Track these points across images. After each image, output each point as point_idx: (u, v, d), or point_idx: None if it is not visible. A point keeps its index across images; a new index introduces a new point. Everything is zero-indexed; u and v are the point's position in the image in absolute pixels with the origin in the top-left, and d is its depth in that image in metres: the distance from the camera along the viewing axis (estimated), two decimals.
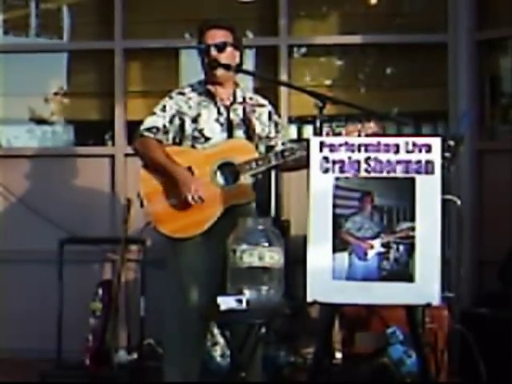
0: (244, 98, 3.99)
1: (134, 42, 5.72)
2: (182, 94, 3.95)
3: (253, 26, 5.80)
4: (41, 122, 6.00)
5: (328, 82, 5.83)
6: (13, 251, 5.43)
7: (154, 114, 3.91)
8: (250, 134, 3.95)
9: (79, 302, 4.95)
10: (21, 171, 5.63)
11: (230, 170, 3.83)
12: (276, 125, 4.05)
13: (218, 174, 3.84)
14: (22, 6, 5.91)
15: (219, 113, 3.93)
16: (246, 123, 3.95)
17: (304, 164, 3.69)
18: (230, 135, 3.92)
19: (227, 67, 3.87)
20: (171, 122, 3.89)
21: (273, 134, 4.03)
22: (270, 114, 4.05)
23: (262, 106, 4.04)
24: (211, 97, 3.94)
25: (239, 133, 3.94)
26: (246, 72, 4.44)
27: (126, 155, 5.40)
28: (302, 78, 5.79)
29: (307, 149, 3.34)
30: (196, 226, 3.79)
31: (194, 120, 3.89)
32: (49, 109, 5.98)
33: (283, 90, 5.48)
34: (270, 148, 3.99)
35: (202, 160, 3.84)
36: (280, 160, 3.84)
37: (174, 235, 3.79)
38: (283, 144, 4.02)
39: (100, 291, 4.90)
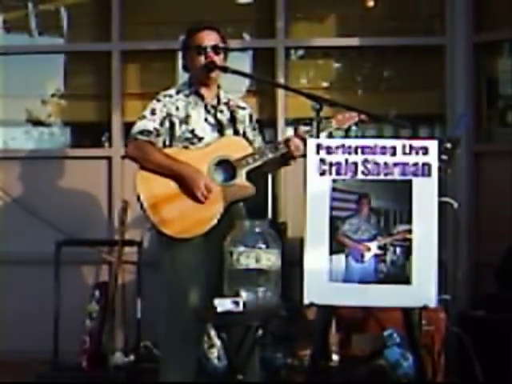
0: (227, 100, 4.03)
1: (132, 43, 5.72)
2: (169, 96, 3.95)
3: (250, 28, 5.81)
4: (38, 123, 5.99)
5: (325, 85, 5.83)
6: (9, 253, 5.42)
7: (144, 117, 3.89)
8: (238, 134, 3.99)
9: (76, 304, 4.94)
10: (17, 173, 5.62)
11: (227, 167, 3.85)
12: (254, 128, 4.11)
13: (216, 171, 3.85)
14: (20, 7, 5.91)
15: (208, 113, 3.95)
16: (233, 123, 3.98)
17: (292, 157, 3.88)
18: (221, 135, 3.95)
19: (224, 69, 3.90)
20: (162, 124, 3.88)
21: (252, 138, 4.07)
22: (250, 116, 4.10)
23: (242, 108, 4.08)
24: (200, 98, 3.95)
25: (229, 132, 3.97)
26: (243, 74, 4.46)
27: (123, 157, 5.39)
28: (299, 80, 5.79)
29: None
30: (199, 225, 3.79)
31: (184, 121, 3.90)
32: (46, 110, 5.98)
33: (280, 92, 5.49)
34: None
35: (198, 159, 3.85)
36: (275, 153, 3.88)
37: (179, 236, 3.78)
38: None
39: (96, 293, 4.90)
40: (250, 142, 4.02)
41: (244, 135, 4.02)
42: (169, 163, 3.82)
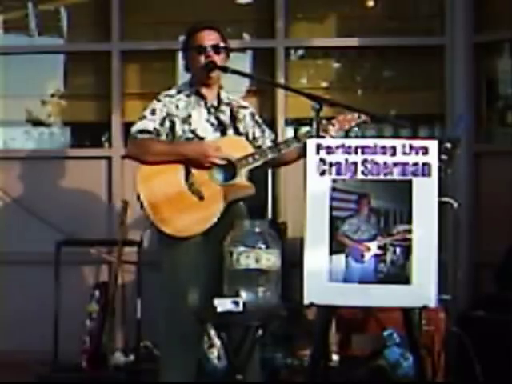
0: (228, 100, 4.03)
1: (132, 43, 5.72)
2: (170, 96, 3.95)
3: (250, 28, 5.81)
4: (38, 123, 5.99)
5: (325, 85, 5.83)
6: (10, 253, 5.42)
7: (144, 117, 3.90)
8: (239, 134, 3.99)
9: (76, 304, 4.94)
10: (17, 173, 5.62)
11: (227, 167, 3.85)
12: (259, 125, 4.10)
13: (216, 171, 3.85)
14: (20, 7, 5.91)
15: (209, 113, 3.95)
16: (234, 123, 3.98)
17: (296, 157, 3.88)
18: (222, 135, 3.95)
19: (224, 69, 3.90)
20: (162, 124, 3.89)
21: (258, 134, 4.07)
22: (252, 115, 4.09)
23: (243, 107, 4.08)
24: (201, 98, 3.95)
25: (230, 132, 3.98)
26: (243, 74, 4.46)
27: (123, 157, 5.39)
28: (299, 80, 5.79)
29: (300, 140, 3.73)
30: (199, 224, 3.80)
31: (185, 121, 3.90)
32: (46, 110, 5.98)
33: (280, 92, 5.49)
34: (257, 148, 4.00)
35: None
36: (276, 153, 3.88)
37: (179, 234, 3.79)
38: (273, 141, 4.07)
39: (96, 293, 4.89)
40: (254, 140, 4.03)
41: (246, 135, 4.02)
42: (172, 148, 3.84)
